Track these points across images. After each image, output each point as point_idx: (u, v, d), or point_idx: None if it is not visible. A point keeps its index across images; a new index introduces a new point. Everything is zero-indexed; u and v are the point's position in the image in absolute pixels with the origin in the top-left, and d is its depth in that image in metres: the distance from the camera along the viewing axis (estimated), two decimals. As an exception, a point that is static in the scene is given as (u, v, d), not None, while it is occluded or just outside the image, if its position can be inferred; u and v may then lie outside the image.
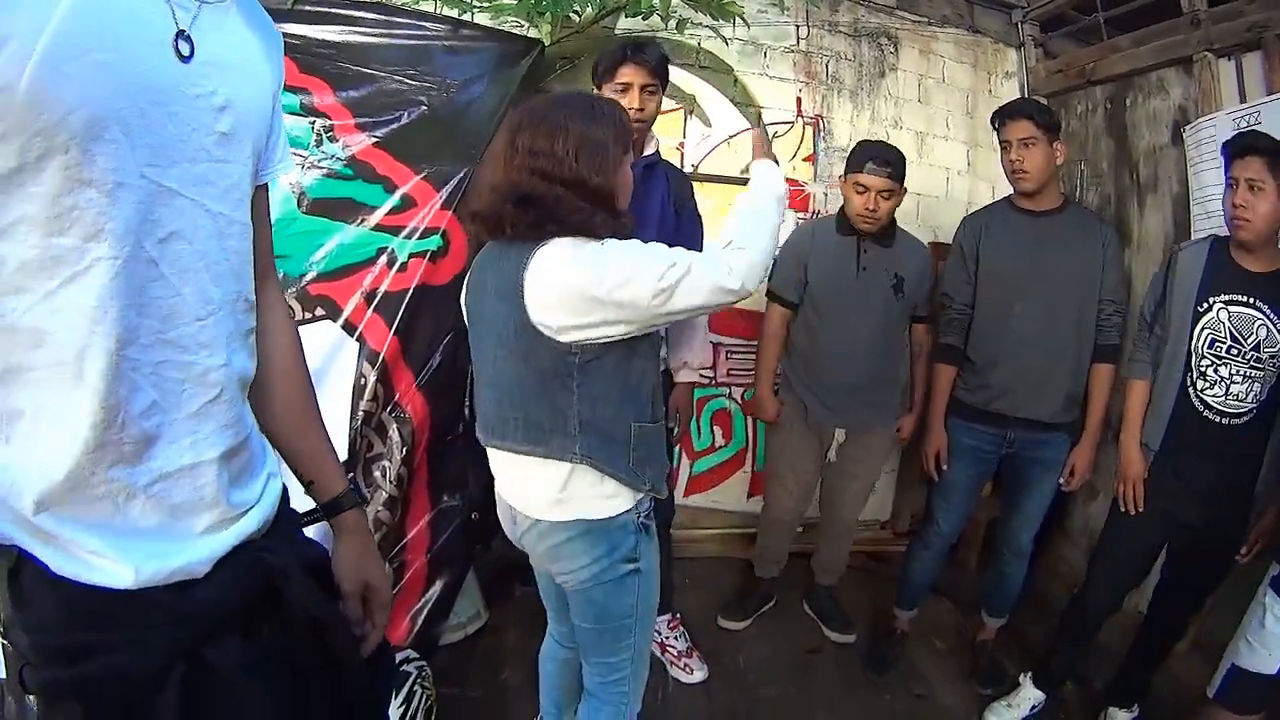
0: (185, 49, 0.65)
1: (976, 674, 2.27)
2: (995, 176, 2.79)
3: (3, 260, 0.58)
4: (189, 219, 0.67)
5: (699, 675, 2.15)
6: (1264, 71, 2.18)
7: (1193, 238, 2.21)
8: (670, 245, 1.85)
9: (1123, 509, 1.88)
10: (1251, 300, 1.70)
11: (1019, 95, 3.05)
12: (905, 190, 2.11)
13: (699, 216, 2.05)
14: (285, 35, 2.21)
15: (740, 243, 1.21)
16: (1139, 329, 1.94)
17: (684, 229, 1.97)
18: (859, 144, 2.13)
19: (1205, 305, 1.74)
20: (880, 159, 2.04)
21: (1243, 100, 2.19)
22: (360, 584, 0.92)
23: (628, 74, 1.78)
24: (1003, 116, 2.05)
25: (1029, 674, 2.11)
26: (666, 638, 2.20)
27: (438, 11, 2.42)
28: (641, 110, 1.79)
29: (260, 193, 0.84)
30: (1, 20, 0.53)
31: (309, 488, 0.93)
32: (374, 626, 0.94)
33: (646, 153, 1.89)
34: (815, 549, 2.50)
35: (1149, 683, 2.01)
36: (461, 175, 2.07)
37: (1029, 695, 2.08)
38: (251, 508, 0.77)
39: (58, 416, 0.61)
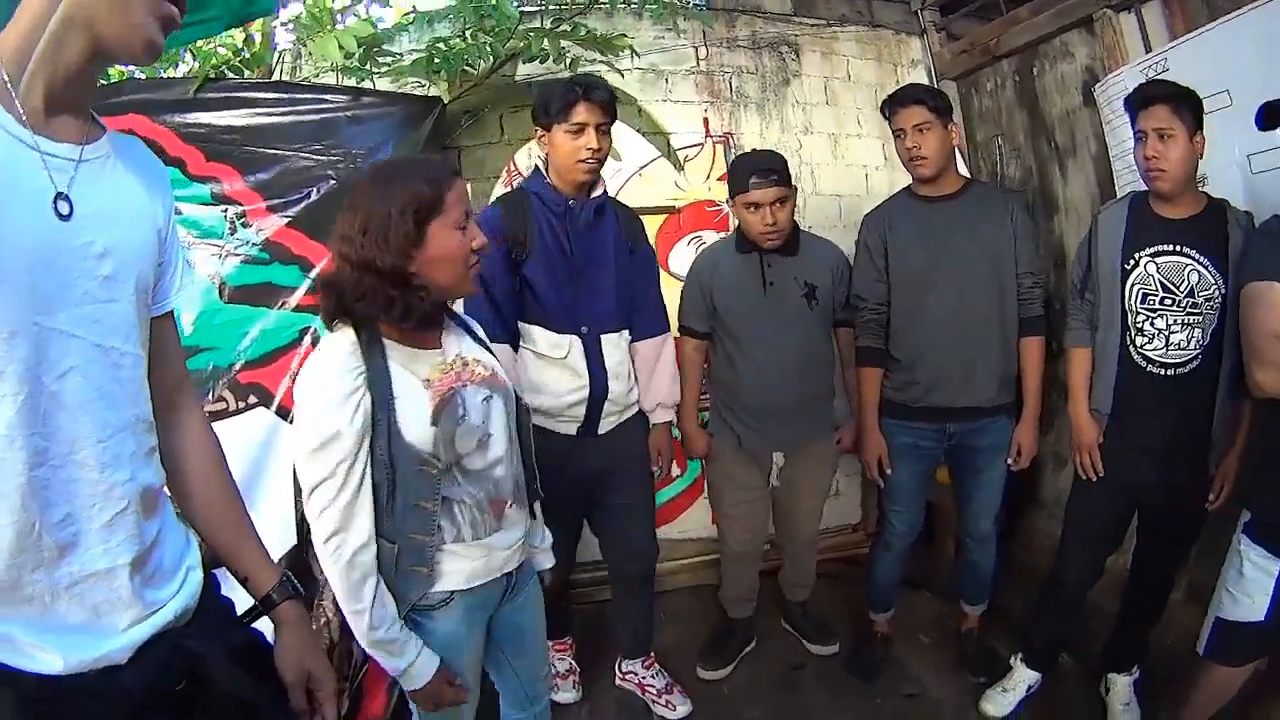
0: (64, 208, 0.74)
1: (966, 664, 2.25)
2: (913, 165, 2.82)
3: None
4: (83, 355, 0.76)
5: (682, 710, 2.11)
6: (1165, 19, 2.22)
7: (1117, 191, 2.22)
8: (629, 286, 1.91)
9: (1083, 477, 1.87)
10: (1178, 248, 1.70)
11: (927, 81, 3.09)
12: (796, 189, 2.08)
13: (653, 254, 2.04)
14: (189, 124, 2.24)
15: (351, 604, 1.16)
16: (1071, 297, 1.94)
17: (638, 268, 1.96)
18: (734, 161, 2.09)
19: (1132, 262, 1.74)
20: (763, 170, 1.97)
21: (1148, 51, 2.21)
22: (303, 674, 0.97)
23: (582, 114, 1.74)
24: (894, 105, 2.02)
25: (1019, 655, 2.08)
26: (644, 677, 2.17)
27: (338, 83, 2.43)
28: (599, 150, 1.77)
29: (163, 320, 0.92)
30: None
31: (244, 584, 0.99)
32: (323, 718, 0.99)
33: (595, 194, 1.86)
34: (781, 566, 2.46)
35: (1145, 643, 1.98)
36: None
37: (1023, 677, 2.06)
38: (169, 602, 0.84)
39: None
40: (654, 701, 2.15)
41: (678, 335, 2.15)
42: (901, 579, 2.30)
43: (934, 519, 2.77)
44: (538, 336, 1.81)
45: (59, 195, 0.74)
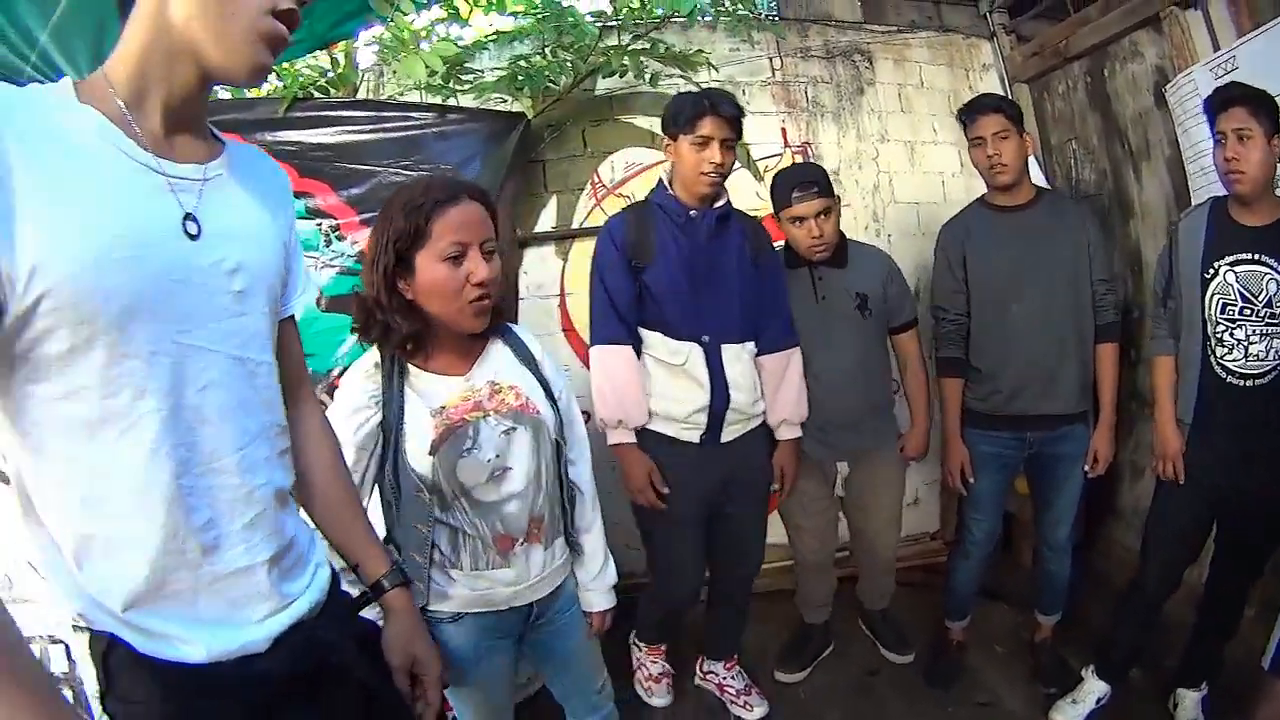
0: (193, 229, 0.78)
1: (1039, 674, 2.25)
2: (989, 171, 2.81)
3: (73, 417, 0.71)
4: (220, 369, 0.80)
5: (759, 712, 2.17)
6: (1231, 14, 2.17)
7: (1192, 195, 2.19)
8: (755, 297, 1.91)
9: (1165, 482, 1.86)
10: (1257, 256, 1.68)
11: (999, 86, 3.07)
12: (839, 200, 2.08)
13: (781, 265, 2.04)
14: (281, 142, 2.34)
15: None
16: (1154, 306, 1.93)
17: (766, 278, 1.96)
18: (775, 176, 2.09)
19: (1211, 271, 1.73)
20: (804, 183, 1.98)
21: (1216, 49, 2.17)
22: (408, 659, 1.02)
23: (708, 127, 1.74)
24: (972, 113, 2.04)
25: (1091, 667, 2.07)
26: (724, 678, 2.23)
27: (423, 100, 2.52)
28: (722, 164, 1.78)
29: (285, 323, 0.97)
30: (44, 243, 0.66)
31: (355, 571, 1.05)
32: (427, 703, 1.03)
33: (718, 204, 1.88)
34: (858, 575, 2.48)
35: (1219, 659, 1.96)
36: None
37: (1093, 689, 2.05)
38: (301, 595, 0.89)
39: (133, 536, 0.75)
40: (732, 702, 2.20)
41: None
42: (979, 588, 2.31)
43: (1012, 528, 2.77)
44: (657, 343, 1.85)
45: (187, 216, 0.78)
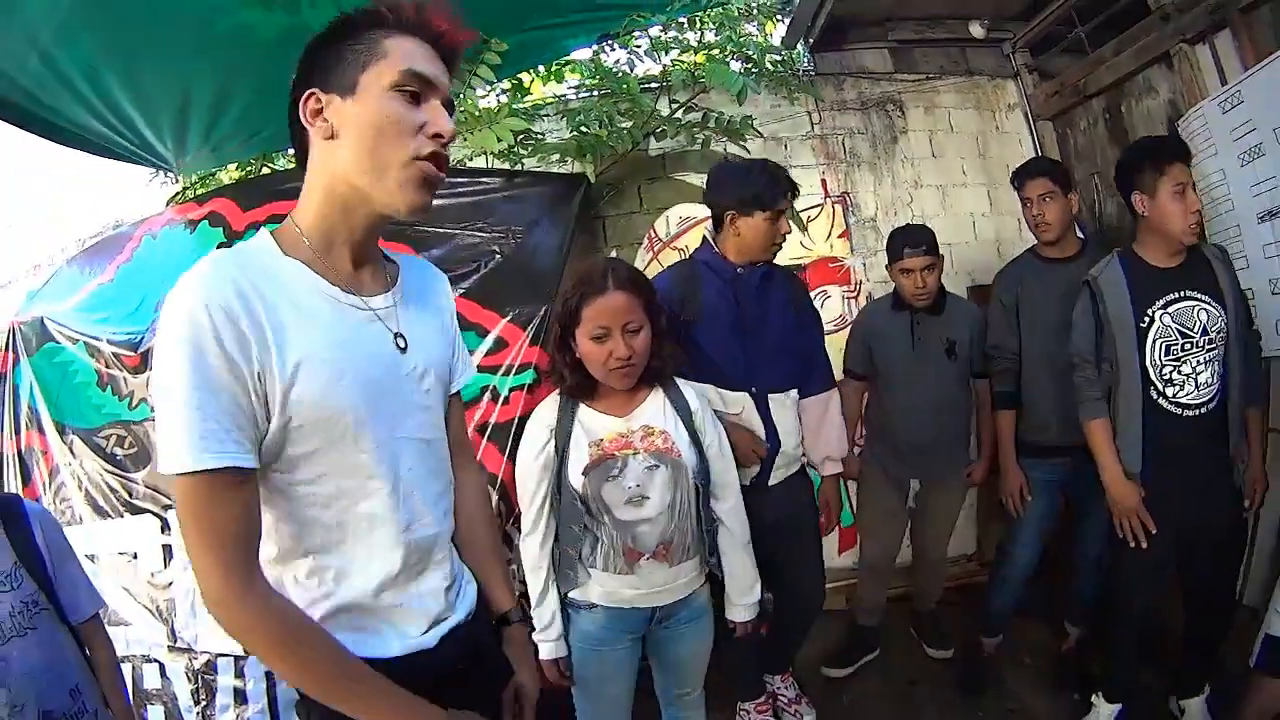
0: (402, 343, 1.00)
1: (1065, 683, 2.45)
2: (1016, 209, 2.95)
3: (319, 492, 0.93)
4: (418, 451, 1.02)
5: (808, 719, 2.43)
6: (1235, 49, 2.32)
7: (1208, 230, 2.29)
8: (797, 346, 2.14)
9: (1132, 544, 1.92)
10: (1181, 294, 1.85)
11: (1024, 125, 3.23)
12: (942, 257, 2.37)
13: (818, 315, 2.27)
14: None
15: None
16: (1083, 368, 2.00)
17: (805, 328, 2.17)
18: (893, 234, 2.40)
19: (1146, 319, 1.87)
20: (915, 242, 2.31)
21: (1224, 83, 2.33)
22: (514, 686, 1.19)
23: (783, 205, 1.97)
24: (1022, 176, 2.33)
25: (1100, 694, 2.16)
26: (779, 688, 2.48)
27: (490, 165, 2.75)
28: (787, 233, 2.01)
29: (451, 398, 1.17)
30: (291, 377, 0.86)
31: (488, 603, 1.25)
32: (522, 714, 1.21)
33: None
34: (907, 593, 2.80)
35: (1211, 665, 2.06)
36: (542, 314, 2.34)
37: (1104, 711, 2.15)
38: (460, 605, 1.11)
39: (365, 571, 0.97)
40: (784, 710, 2.46)
41: (840, 377, 2.45)
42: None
43: (1047, 551, 2.96)
44: (712, 395, 1.96)
45: (396, 335, 0.99)
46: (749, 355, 2.01)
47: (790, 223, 2.01)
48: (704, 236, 2.11)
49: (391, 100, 0.91)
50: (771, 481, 2.08)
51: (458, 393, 1.21)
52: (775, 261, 2.10)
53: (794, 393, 2.13)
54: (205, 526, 0.83)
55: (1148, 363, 1.87)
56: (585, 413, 1.59)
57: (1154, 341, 1.86)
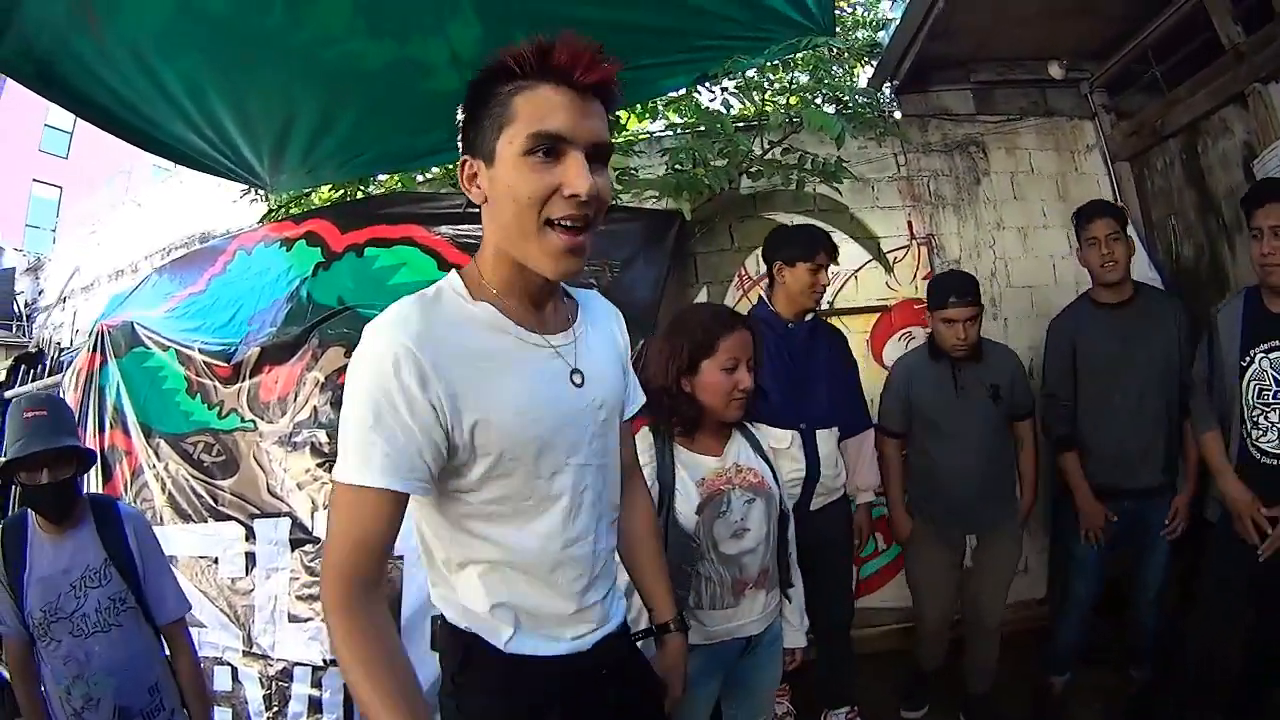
0: (578, 379, 1.05)
1: None
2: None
3: (491, 513, 1.00)
4: (591, 475, 1.08)
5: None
6: None
7: None
8: (839, 390, 2.38)
9: (1251, 544, 1.92)
10: None
11: (1102, 166, 3.25)
12: (984, 307, 2.41)
13: (855, 362, 2.53)
14: (462, 234, 2.63)
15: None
16: (1195, 392, 2.09)
17: (846, 374, 2.46)
18: (935, 280, 2.44)
19: (1248, 359, 1.90)
20: (961, 291, 2.32)
21: None
22: (664, 685, 1.30)
23: (822, 257, 2.26)
24: (1087, 216, 2.34)
25: None
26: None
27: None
28: (827, 285, 2.31)
29: (622, 424, 1.22)
30: (480, 414, 0.94)
31: (649, 611, 1.35)
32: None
33: (808, 318, 2.36)
34: (964, 661, 2.60)
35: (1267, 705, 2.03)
36: (640, 347, 2.33)
37: None
38: (613, 618, 1.17)
39: (536, 579, 1.04)
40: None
41: (878, 433, 2.55)
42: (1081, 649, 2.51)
43: (1110, 593, 2.95)
44: (766, 431, 2.09)
45: (574, 370, 1.04)
46: (799, 398, 2.26)
47: (828, 275, 2.28)
48: (759, 297, 2.43)
49: (522, 167, 0.90)
50: (812, 506, 2.30)
51: (630, 419, 1.28)
52: (820, 317, 2.42)
53: (835, 430, 2.37)
54: (344, 529, 0.91)
55: (1243, 402, 1.91)
56: (684, 455, 1.65)
57: (1249, 383, 1.89)
